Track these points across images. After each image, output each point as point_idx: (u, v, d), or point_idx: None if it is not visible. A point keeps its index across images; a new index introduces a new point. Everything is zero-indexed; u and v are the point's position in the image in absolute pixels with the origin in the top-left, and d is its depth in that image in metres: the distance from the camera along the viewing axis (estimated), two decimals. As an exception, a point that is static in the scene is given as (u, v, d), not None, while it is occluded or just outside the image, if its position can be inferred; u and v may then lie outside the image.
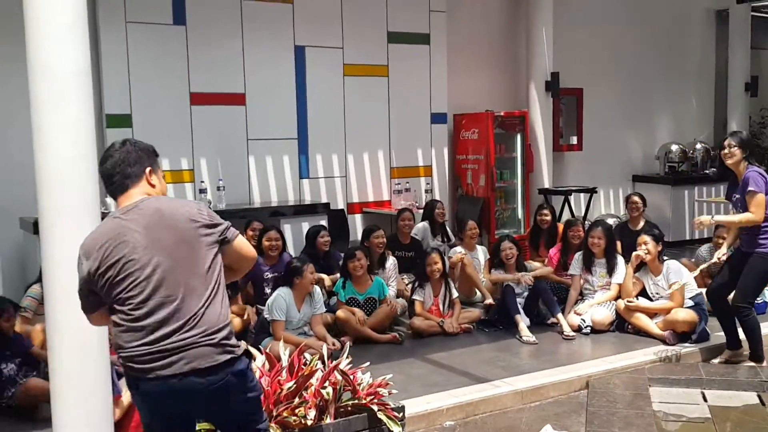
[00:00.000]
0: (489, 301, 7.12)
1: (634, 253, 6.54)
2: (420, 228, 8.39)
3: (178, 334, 2.80)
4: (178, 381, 2.80)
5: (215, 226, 2.96)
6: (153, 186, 3.00)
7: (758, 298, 6.97)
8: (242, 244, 3.08)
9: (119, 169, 2.95)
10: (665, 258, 6.79)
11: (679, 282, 6.33)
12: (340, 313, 6.51)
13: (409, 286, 7.21)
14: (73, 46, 3.91)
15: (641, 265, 6.61)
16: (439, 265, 6.79)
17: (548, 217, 8.48)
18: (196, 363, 2.80)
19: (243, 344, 4.54)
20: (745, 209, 5.61)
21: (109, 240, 2.84)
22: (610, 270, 6.90)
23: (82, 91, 3.98)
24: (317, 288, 6.36)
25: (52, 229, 3.92)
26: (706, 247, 7.76)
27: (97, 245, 2.85)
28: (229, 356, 2.89)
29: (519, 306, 6.76)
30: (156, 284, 2.81)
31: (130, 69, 7.65)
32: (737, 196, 5.72)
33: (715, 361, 6.04)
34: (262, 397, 3.23)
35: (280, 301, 5.96)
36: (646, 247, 6.46)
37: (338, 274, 7.00)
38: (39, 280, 5.37)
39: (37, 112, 3.89)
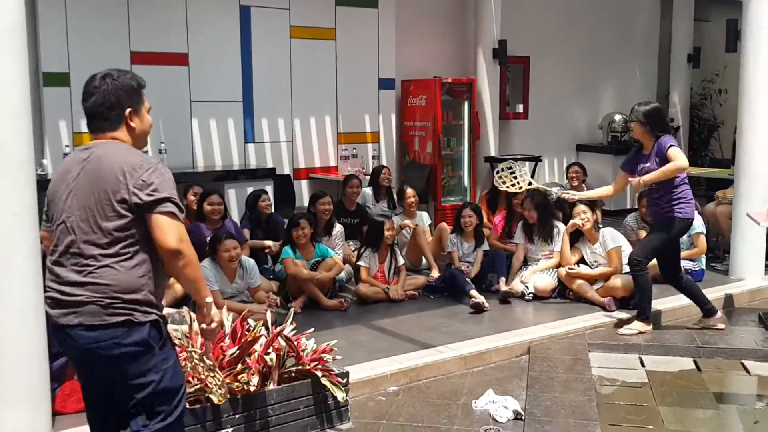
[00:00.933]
0: (434, 274, 7.17)
1: (570, 222, 6.66)
2: (363, 193, 8.35)
3: (71, 287, 2.79)
4: (68, 331, 2.79)
5: (144, 189, 2.77)
6: (133, 128, 2.95)
7: (695, 265, 7.17)
8: (159, 224, 2.77)
9: (98, 110, 2.90)
10: (600, 226, 6.91)
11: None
12: (289, 267, 6.45)
13: (355, 252, 7.19)
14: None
15: (579, 234, 6.72)
16: (393, 232, 6.82)
17: None
18: (83, 318, 2.77)
19: (185, 309, 4.49)
20: None
21: (58, 174, 2.95)
22: (548, 238, 6.99)
23: (15, 48, 3.81)
24: (250, 261, 6.24)
25: (-16, 190, 3.76)
26: (632, 217, 7.88)
27: (54, 175, 2.98)
28: (121, 318, 2.77)
29: (468, 281, 6.81)
30: (61, 232, 2.84)
31: (68, 26, 7.38)
32: (645, 165, 5.78)
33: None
34: (180, 389, 3.00)
35: (206, 272, 5.75)
36: (585, 216, 6.57)
37: (282, 241, 6.95)
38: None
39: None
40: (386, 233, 6.75)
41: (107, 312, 2.76)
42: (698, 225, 7.25)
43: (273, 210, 7.53)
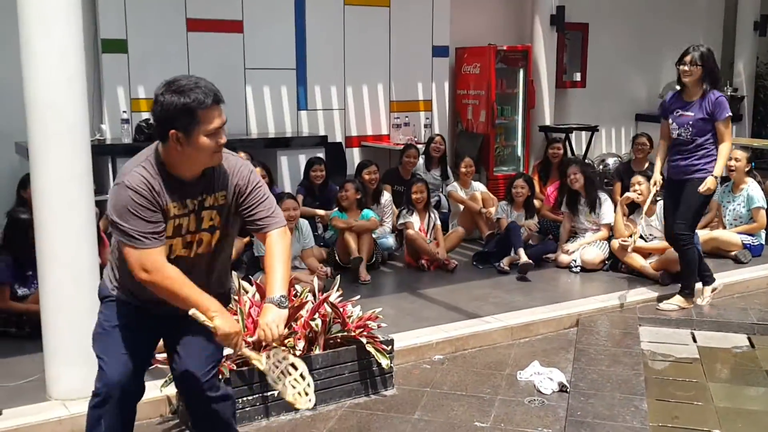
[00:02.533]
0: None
1: (624, 195, 6.53)
2: (417, 166, 8.33)
3: None
4: None
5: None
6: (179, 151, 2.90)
7: (754, 240, 6.97)
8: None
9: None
10: (658, 199, 6.74)
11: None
12: (337, 223, 6.70)
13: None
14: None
15: (635, 206, 6.59)
16: (424, 195, 6.90)
17: (560, 151, 8.43)
18: None
19: (234, 274, 4.56)
20: (700, 131, 5.48)
21: None
22: (592, 206, 6.88)
23: (71, 12, 3.87)
24: (305, 222, 6.33)
25: (40, 154, 3.87)
26: None
27: None
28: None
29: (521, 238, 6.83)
30: None
31: (125, -7, 7.49)
32: (687, 114, 5.52)
33: (701, 302, 5.96)
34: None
35: None
36: (640, 188, 6.42)
37: (336, 208, 7.02)
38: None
39: (25, 32, 3.80)
40: (414, 195, 6.85)
41: None
42: (759, 198, 7.05)
43: (323, 181, 7.56)
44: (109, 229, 2.82)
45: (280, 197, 6.09)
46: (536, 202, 7.92)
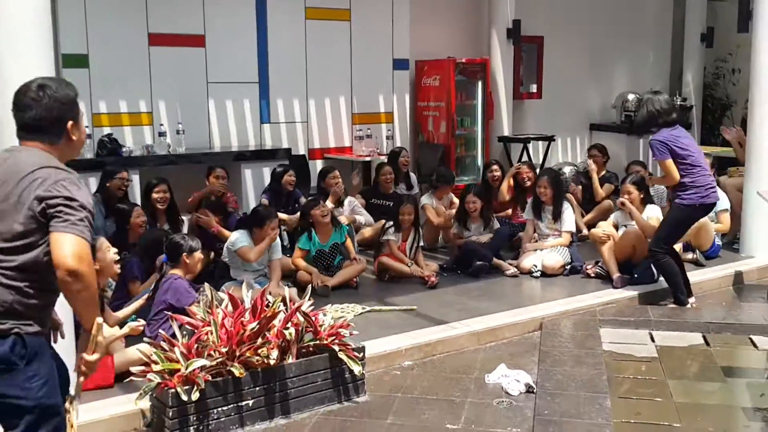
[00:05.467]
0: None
1: (619, 200, 6.75)
2: None
3: None
4: None
5: (52, 201, 2.59)
6: (73, 139, 2.82)
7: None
8: (59, 241, 2.55)
9: (38, 124, 2.74)
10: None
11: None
12: (301, 273, 6.52)
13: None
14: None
15: (618, 211, 6.85)
16: (412, 216, 6.90)
17: (498, 173, 8.50)
18: None
19: (206, 286, 4.61)
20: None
21: None
22: (556, 216, 7.09)
23: (41, 29, 3.92)
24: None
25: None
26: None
27: None
28: None
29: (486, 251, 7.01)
30: None
31: (86, 8, 7.48)
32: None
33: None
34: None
35: (242, 239, 6.04)
36: (630, 196, 6.60)
37: (298, 215, 7.11)
38: None
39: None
40: (402, 217, 6.84)
41: None
42: (723, 203, 7.29)
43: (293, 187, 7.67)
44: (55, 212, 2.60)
45: (268, 213, 6.14)
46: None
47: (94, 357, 2.73)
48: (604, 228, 6.76)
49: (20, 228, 2.63)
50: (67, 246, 2.55)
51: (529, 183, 7.72)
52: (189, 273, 5.09)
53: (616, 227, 6.84)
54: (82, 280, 2.57)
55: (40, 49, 3.92)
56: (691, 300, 6.17)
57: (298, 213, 7.11)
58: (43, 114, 2.73)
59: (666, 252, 6.04)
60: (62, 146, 2.80)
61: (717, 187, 6.18)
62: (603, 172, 8.38)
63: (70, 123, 2.79)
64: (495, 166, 8.58)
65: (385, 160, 8.71)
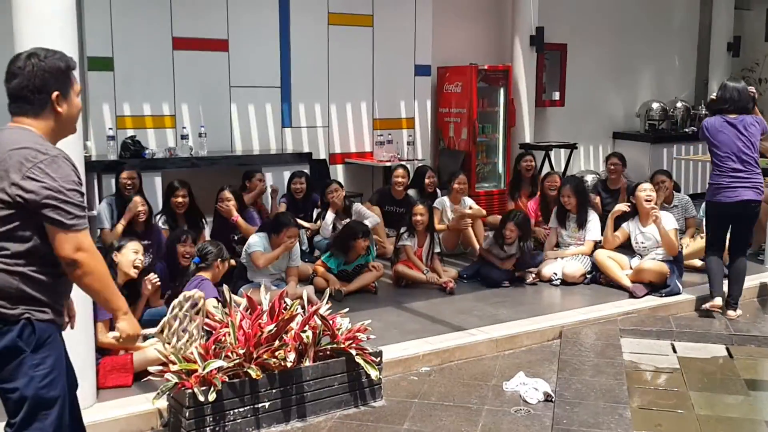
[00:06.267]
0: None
1: (615, 207, 6.66)
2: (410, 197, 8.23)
3: None
4: None
5: (34, 194, 2.53)
6: (60, 113, 2.72)
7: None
8: (55, 239, 2.56)
9: (21, 93, 2.67)
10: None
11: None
12: (318, 279, 6.51)
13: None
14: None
15: (628, 216, 6.71)
16: (425, 218, 6.78)
17: (532, 163, 8.54)
18: None
19: (225, 287, 4.62)
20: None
21: None
22: (580, 224, 7.03)
23: (65, 32, 3.94)
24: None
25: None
26: None
27: None
28: None
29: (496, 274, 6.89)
30: None
31: (112, 11, 7.54)
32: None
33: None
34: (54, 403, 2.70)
35: (259, 242, 6.07)
36: (651, 194, 6.52)
37: (318, 223, 7.16)
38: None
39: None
40: (414, 218, 6.78)
41: None
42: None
43: (305, 193, 7.65)
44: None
45: (287, 220, 6.14)
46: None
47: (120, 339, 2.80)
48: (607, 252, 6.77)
49: (1, 213, 2.58)
50: (64, 243, 2.56)
51: (554, 192, 7.58)
52: (214, 278, 5.27)
53: (628, 238, 6.73)
54: (82, 267, 2.58)
55: (65, 52, 3.91)
56: (714, 302, 6.05)
57: (316, 219, 7.20)
58: (25, 83, 2.66)
59: (709, 251, 6.18)
60: (48, 120, 2.71)
61: (743, 189, 5.96)
62: (620, 183, 8.27)
63: (55, 94, 2.70)
64: (529, 157, 8.56)
65: (420, 167, 8.55)
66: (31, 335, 2.62)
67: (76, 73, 3.96)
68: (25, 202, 2.54)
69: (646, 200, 6.48)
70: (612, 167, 8.44)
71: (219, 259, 5.24)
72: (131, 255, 4.87)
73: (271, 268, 6.08)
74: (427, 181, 8.21)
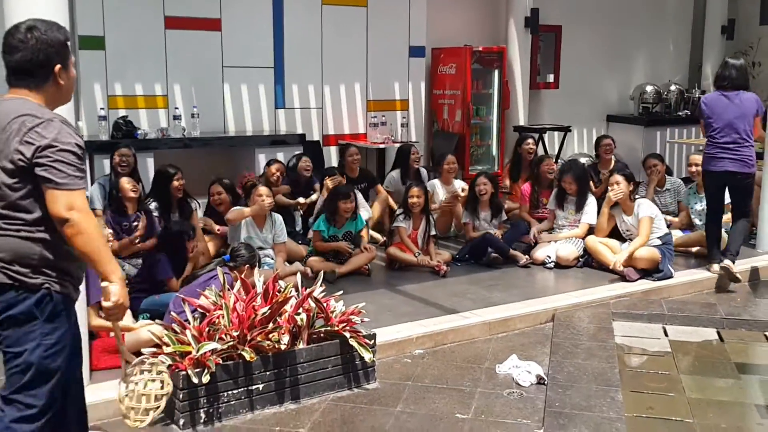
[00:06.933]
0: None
1: (608, 195, 6.67)
2: (392, 179, 8.23)
3: None
4: None
5: (33, 153, 2.60)
6: (61, 84, 2.78)
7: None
8: (50, 198, 2.60)
9: (25, 66, 2.71)
10: (637, 197, 6.92)
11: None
12: (314, 261, 6.49)
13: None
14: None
15: (615, 204, 6.73)
16: (421, 200, 6.80)
17: (534, 147, 8.53)
18: None
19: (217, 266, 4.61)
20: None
21: None
22: (579, 207, 7.04)
23: (57, 10, 3.91)
24: (278, 216, 6.42)
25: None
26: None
27: None
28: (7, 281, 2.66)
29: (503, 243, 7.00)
30: None
31: (103, -10, 7.47)
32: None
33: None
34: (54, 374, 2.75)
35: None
36: (619, 187, 6.56)
37: (314, 196, 7.23)
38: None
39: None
40: (411, 200, 6.78)
41: None
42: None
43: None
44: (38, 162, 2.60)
45: (254, 184, 6.50)
46: (508, 203, 8.06)
47: (109, 304, 2.74)
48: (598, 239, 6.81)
49: (9, 181, 2.64)
50: (58, 201, 2.60)
51: (551, 176, 7.56)
52: (235, 280, 5.12)
53: (615, 224, 6.76)
54: (74, 226, 2.60)
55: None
56: (714, 266, 6.54)
57: (314, 195, 7.32)
58: (30, 56, 2.71)
59: (708, 219, 6.73)
60: (50, 91, 2.78)
61: (728, 161, 6.37)
62: (612, 164, 8.27)
63: (57, 67, 2.75)
64: (530, 140, 8.57)
65: (402, 146, 8.53)
66: (47, 305, 2.70)
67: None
68: (27, 166, 2.61)
69: (611, 195, 6.62)
70: (605, 148, 8.46)
71: (248, 265, 5.06)
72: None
73: (255, 239, 6.10)
74: (412, 156, 8.20)
